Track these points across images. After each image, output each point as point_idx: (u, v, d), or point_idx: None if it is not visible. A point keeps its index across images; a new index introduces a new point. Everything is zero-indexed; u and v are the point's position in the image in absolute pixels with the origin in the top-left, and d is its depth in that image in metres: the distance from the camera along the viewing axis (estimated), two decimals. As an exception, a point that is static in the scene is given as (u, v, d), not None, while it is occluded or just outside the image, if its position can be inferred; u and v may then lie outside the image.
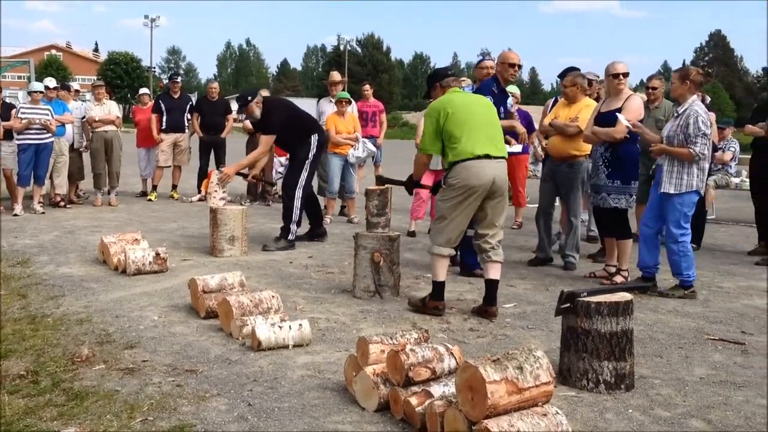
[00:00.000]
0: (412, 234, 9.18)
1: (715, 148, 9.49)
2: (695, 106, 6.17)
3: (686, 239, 6.21)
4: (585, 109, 7.31)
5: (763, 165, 8.23)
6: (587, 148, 7.27)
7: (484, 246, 5.50)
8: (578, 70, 8.29)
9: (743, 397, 3.99)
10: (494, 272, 5.52)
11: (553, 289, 6.34)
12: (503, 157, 5.50)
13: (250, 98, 8.08)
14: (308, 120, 8.37)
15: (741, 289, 6.71)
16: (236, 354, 4.48)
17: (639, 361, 4.48)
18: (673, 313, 5.77)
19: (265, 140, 8.06)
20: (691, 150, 6.07)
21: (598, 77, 8.62)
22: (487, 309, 5.50)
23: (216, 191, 7.87)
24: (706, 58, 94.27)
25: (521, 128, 7.39)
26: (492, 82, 6.91)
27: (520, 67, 6.91)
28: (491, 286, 5.51)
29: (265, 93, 12.43)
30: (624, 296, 4.16)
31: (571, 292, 4.15)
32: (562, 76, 8.11)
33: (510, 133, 7.45)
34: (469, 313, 5.58)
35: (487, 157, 5.36)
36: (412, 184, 6.08)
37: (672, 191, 6.19)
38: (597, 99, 8.51)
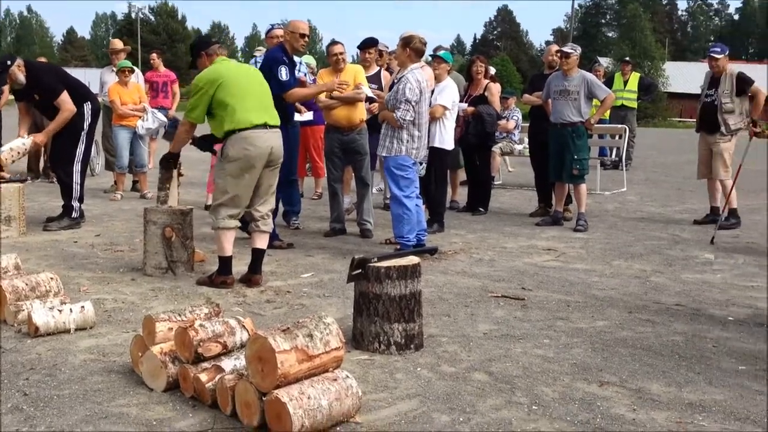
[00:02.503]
0: (208, 207, 8.93)
1: (499, 117, 10.01)
2: (409, 74, 6.39)
3: (409, 203, 6.44)
4: (359, 74, 7.47)
5: (539, 132, 8.79)
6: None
7: (255, 215, 5.50)
8: (377, 41, 8.43)
9: (521, 348, 4.26)
10: (261, 242, 5.55)
11: (351, 257, 6.42)
12: (278, 126, 5.49)
13: (9, 62, 7.32)
14: (79, 87, 7.69)
15: (522, 249, 7.17)
16: (11, 342, 4.14)
17: (428, 321, 4.66)
18: (461, 274, 6.05)
19: (62, 101, 7.24)
20: (395, 114, 6.34)
21: (388, 48, 8.82)
22: (251, 277, 5.53)
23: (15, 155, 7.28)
24: (495, 32, 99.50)
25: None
26: (279, 51, 6.81)
27: (309, 37, 6.88)
28: (257, 254, 5.55)
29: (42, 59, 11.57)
30: (412, 260, 4.29)
31: (362, 258, 4.22)
32: (362, 47, 8.20)
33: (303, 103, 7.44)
34: (266, 285, 5.53)
35: (265, 126, 5.32)
36: (173, 158, 5.83)
37: (384, 154, 6.47)
38: (388, 69, 8.71)
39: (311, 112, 7.91)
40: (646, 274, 6.16)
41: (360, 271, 4.18)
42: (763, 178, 13.21)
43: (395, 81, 6.52)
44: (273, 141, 5.37)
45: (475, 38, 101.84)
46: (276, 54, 6.78)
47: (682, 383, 3.76)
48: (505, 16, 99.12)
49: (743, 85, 8.24)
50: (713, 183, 8.61)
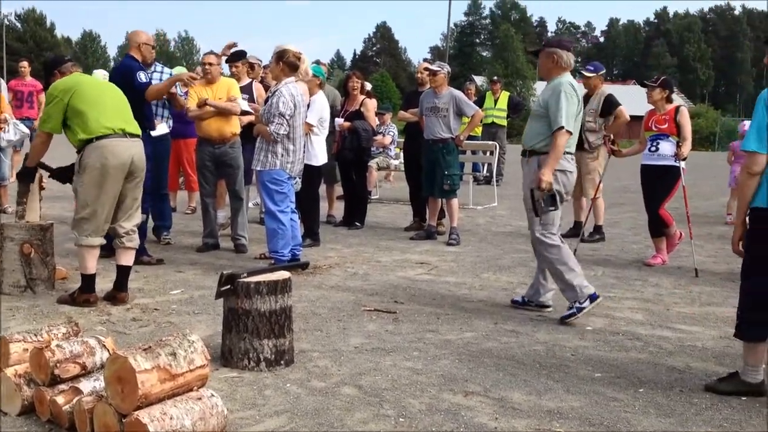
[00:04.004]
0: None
1: (375, 132, 10.14)
2: (283, 87, 6.36)
3: (283, 217, 6.41)
4: (233, 87, 7.41)
5: (414, 148, 8.96)
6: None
7: (119, 231, 5.32)
8: (245, 53, 8.37)
9: (391, 361, 4.32)
10: (126, 258, 5.38)
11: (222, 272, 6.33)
12: (139, 136, 5.35)
13: None
14: None
15: (396, 263, 7.27)
16: None
17: (300, 336, 4.65)
18: (335, 288, 6.08)
19: None
20: (269, 128, 6.32)
21: (261, 61, 8.78)
22: (116, 295, 5.37)
23: None
24: (375, 48, 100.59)
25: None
26: (131, 59, 6.55)
27: (154, 47, 6.77)
28: (123, 271, 5.39)
29: None
30: (283, 275, 4.27)
31: (230, 273, 4.17)
32: (229, 60, 8.11)
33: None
34: (132, 303, 5.37)
35: (123, 133, 5.18)
36: (29, 172, 5.62)
37: (259, 168, 6.44)
38: (262, 82, 8.68)
39: (165, 124, 7.62)
40: (512, 286, 6.38)
41: (229, 286, 4.13)
42: (619, 194, 13.99)
43: (270, 95, 6.49)
44: (133, 150, 5.21)
45: (354, 54, 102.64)
46: (130, 62, 6.52)
47: (542, 391, 3.91)
48: (384, 32, 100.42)
49: (609, 106, 8.54)
50: (579, 200, 8.91)
